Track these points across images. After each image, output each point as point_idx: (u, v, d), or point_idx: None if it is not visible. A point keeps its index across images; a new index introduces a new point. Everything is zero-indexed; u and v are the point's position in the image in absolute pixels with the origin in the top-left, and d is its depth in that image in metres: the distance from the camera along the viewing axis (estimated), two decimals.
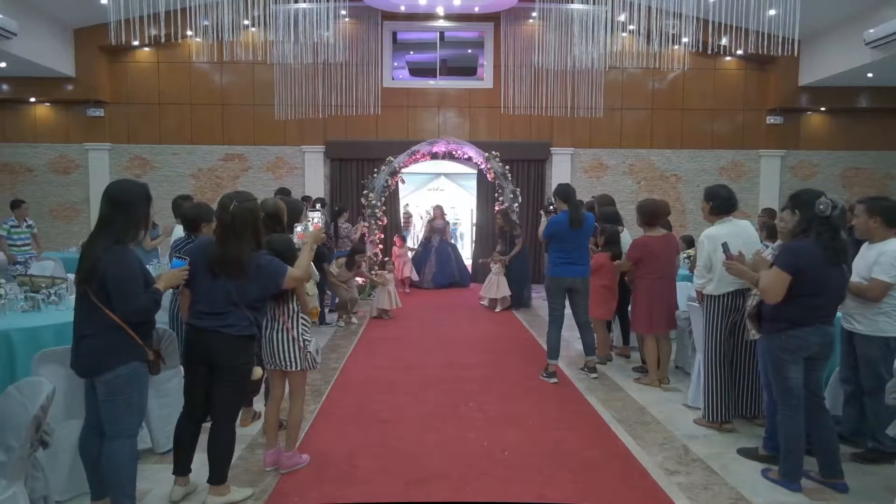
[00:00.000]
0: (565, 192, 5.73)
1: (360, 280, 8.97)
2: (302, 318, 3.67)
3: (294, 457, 3.77)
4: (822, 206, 3.34)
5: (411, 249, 11.48)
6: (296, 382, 3.74)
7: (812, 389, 3.58)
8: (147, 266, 3.27)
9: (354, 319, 8.30)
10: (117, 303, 2.86)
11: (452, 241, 12.68)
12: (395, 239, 11.00)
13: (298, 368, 3.65)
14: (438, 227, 11.50)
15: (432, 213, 11.88)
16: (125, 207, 2.94)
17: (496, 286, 9.19)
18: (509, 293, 9.17)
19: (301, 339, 3.62)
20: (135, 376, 2.96)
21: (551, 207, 5.82)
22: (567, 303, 5.80)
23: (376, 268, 9.93)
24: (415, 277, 10.75)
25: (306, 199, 9.86)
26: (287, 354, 3.62)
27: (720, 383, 4.42)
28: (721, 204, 4.47)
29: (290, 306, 3.62)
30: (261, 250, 3.33)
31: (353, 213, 10.99)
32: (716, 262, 4.28)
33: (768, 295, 3.44)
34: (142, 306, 2.92)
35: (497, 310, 9.16)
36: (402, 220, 17.52)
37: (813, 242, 3.36)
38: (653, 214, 5.57)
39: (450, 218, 13.64)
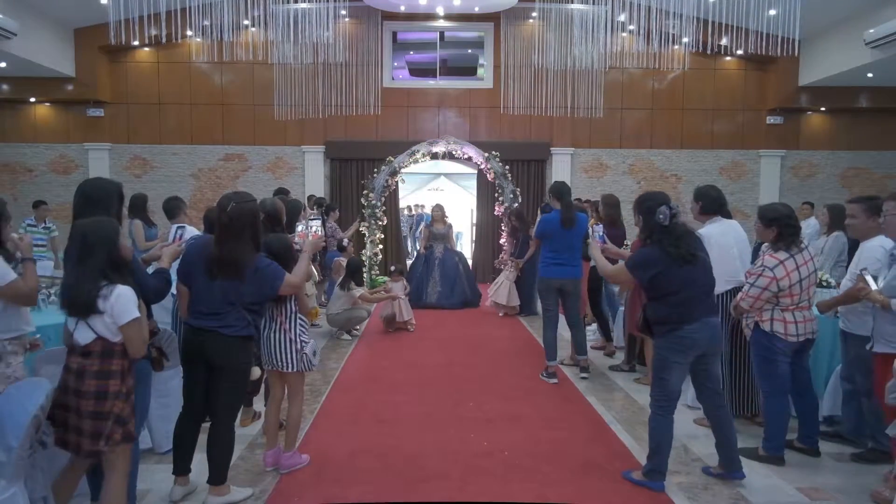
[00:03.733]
0: (559, 190, 5.72)
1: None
2: (300, 318, 3.67)
3: (293, 457, 3.77)
4: (660, 216, 3.41)
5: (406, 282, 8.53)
6: (293, 383, 3.74)
7: (710, 387, 3.63)
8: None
9: (355, 332, 7.61)
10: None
11: (459, 250, 10.22)
12: (392, 275, 8.19)
13: (294, 370, 3.64)
14: (440, 232, 9.56)
15: (430, 215, 10.04)
16: (100, 203, 2.95)
17: (507, 293, 8.66)
18: (518, 302, 8.72)
19: (298, 340, 3.62)
20: (138, 375, 2.95)
21: (547, 207, 5.81)
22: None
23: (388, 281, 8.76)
24: (407, 317, 7.85)
25: (311, 198, 9.75)
26: (283, 355, 3.61)
27: (728, 382, 4.41)
28: (710, 203, 4.48)
29: (288, 306, 3.62)
30: (259, 252, 3.32)
31: (350, 212, 10.98)
32: (712, 261, 4.27)
33: (611, 280, 3.87)
34: (156, 287, 3.04)
35: (500, 314, 8.83)
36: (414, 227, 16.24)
37: (657, 247, 3.44)
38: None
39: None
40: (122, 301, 2.64)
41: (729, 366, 4.45)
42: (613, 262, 4.30)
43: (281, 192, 7.77)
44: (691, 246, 3.45)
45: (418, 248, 10.44)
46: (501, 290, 8.79)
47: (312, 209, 8.90)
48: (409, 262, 11.62)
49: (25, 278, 2.95)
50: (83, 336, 2.67)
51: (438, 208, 9.80)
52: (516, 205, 10.27)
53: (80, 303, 2.64)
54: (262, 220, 3.47)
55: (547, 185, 11.96)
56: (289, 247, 3.67)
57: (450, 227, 9.79)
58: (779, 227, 3.85)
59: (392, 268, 8.54)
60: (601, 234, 4.21)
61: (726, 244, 4.34)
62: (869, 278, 3.50)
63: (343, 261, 7.81)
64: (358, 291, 7.32)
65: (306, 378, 4.75)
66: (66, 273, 2.72)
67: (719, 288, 4.25)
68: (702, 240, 4.31)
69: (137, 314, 2.68)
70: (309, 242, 3.73)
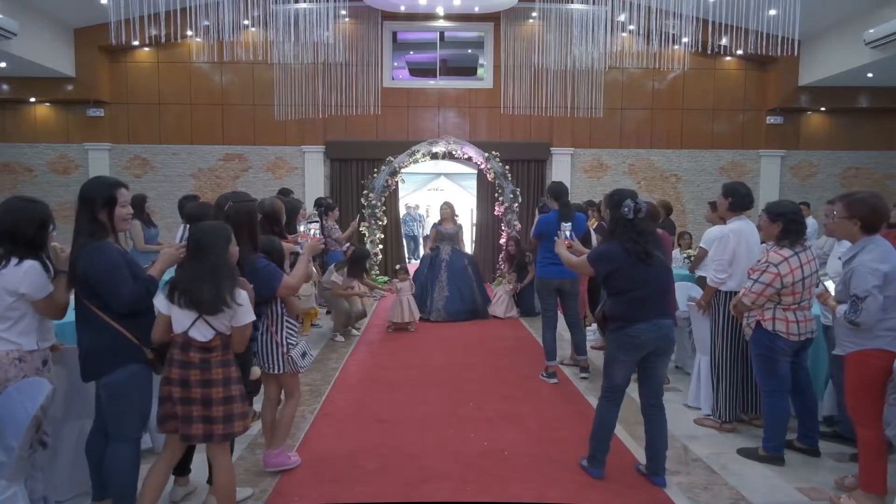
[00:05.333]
0: (557, 190, 5.73)
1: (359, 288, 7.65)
2: (287, 321, 3.67)
3: (279, 455, 3.75)
4: (625, 209, 3.47)
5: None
6: (286, 384, 3.74)
7: (650, 387, 3.66)
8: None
9: (355, 332, 7.51)
10: (105, 297, 2.80)
11: (468, 252, 9.26)
12: (398, 274, 8.18)
13: (281, 372, 3.65)
14: (448, 233, 8.76)
15: (421, 214, 9.53)
16: (85, 205, 2.88)
17: (504, 308, 8.70)
18: (517, 312, 8.76)
19: (285, 342, 3.62)
20: (135, 380, 2.90)
21: (545, 208, 5.83)
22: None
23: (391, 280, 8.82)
24: (416, 317, 7.90)
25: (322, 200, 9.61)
26: (269, 357, 3.62)
27: (734, 381, 4.41)
28: (740, 200, 4.48)
29: (275, 309, 3.60)
30: (258, 252, 3.31)
31: (350, 212, 10.95)
32: (740, 257, 4.28)
33: (575, 271, 4.05)
34: (132, 296, 2.82)
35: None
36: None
37: (617, 243, 3.51)
38: (651, 217, 5.52)
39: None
40: (246, 303, 2.89)
41: (742, 363, 4.42)
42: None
43: (282, 193, 7.76)
44: (649, 245, 3.49)
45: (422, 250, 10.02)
46: (499, 303, 8.81)
47: (318, 208, 8.80)
48: (408, 266, 11.42)
49: (58, 291, 2.94)
50: (203, 334, 2.84)
51: (447, 206, 8.90)
52: (516, 232, 10.16)
53: (210, 301, 2.78)
54: (259, 220, 3.46)
55: (547, 184, 11.95)
56: (278, 248, 3.66)
57: (459, 227, 8.99)
58: (784, 223, 3.85)
59: (398, 266, 8.42)
60: (568, 233, 4.32)
61: (754, 242, 4.38)
62: (828, 284, 3.57)
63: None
64: (335, 277, 7.15)
65: (303, 378, 4.73)
66: (187, 274, 2.84)
67: (742, 283, 4.22)
68: (731, 236, 4.32)
69: (254, 317, 2.96)
70: (308, 245, 3.73)
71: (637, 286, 3.47)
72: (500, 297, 8.88)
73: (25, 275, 2.81)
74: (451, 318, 8.38)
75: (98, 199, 2.88)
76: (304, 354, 3.69)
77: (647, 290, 3.47)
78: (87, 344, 2.88)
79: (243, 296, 2.88)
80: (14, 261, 2.82)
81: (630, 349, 3.52)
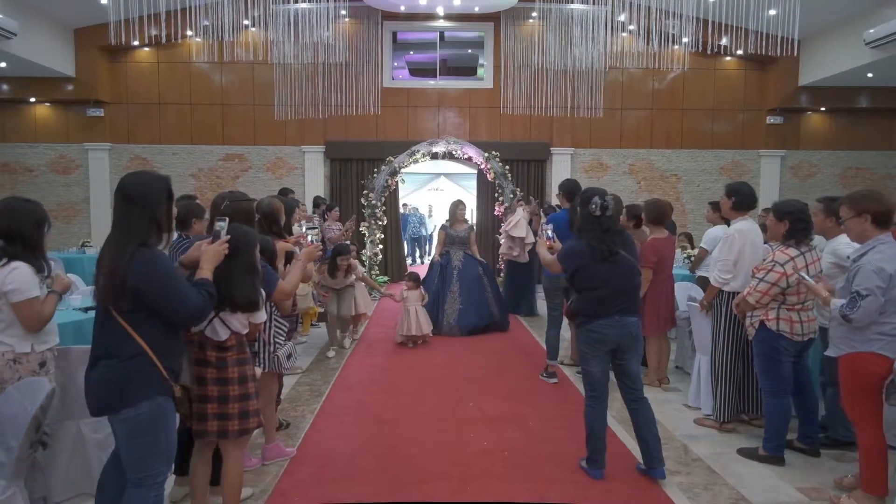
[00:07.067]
0: (570, 189, 5.65)
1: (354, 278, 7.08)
2: (276, 320, 3.68)
3: (274, 448, 3.88)
4: (592, 206, 3.54)
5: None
6: (262, 382, 3.71)
7: (627, 383, 3.70)
8: None
9: (346, 343, 6.95)
10: (170, 313, 2.41)
11: (482, 259, 8.14)
12: (405, 282, 7.31)
13: (266, 370, 3.67)
14: (459, 236, 7.85)
15: (448, 217, 8.01)
16: (142, 205, 2.41)
17: (525, 229, 8.17)
18: (534, 239, 8.12)
19: (273, 342, 3.65)
20: (161, 413, 2.45)
21: (548, 209, 5.80)
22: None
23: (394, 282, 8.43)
24: (428, 329, 7.12)
25: (321, 200, 9.65)
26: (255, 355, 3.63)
27: (734, 381, 4.41)
28: (743, 200, 4.48)
29: (265, 308, 3.60)
30: None
31: (350, 213, 10.95)
32: (744, 257, 4.29)
33: (549, 268, 4.07)
34: (199, 304, 2.47)
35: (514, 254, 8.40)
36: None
37: (584, 241, 3.58)
38: (662, 215, 5.51)
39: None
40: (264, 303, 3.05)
41: (742, 364, 4.42)
42: None
43: (282, 193, 7.73)
44: (615, 243, 3.54)
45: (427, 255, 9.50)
46: (521, 224, 8.24)
47: (317, 209, 8.77)
48: (409, 268, 11.30)
49: (45, 304, 2.93)
50: (218, 333, 2.84)
51: (459, 206, 7.93)
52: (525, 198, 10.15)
53: (245, 301, 2.84)
54: (258, 220, 3.45)
55: (547, 185, 11.96)
56: (271, 248, 3.64)
57: (471, 228, 8.08)
58: (790, 221, 3.84)
59: (406, 274, 7.72)
60: (550, 233, 4.36)
61: (758, 242, 4.39)
62: (804, 275, 3.67)
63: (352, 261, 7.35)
64: (316, 278, 6.69)
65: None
66: (216, 274, 2.75)
67: (745, 284, 4.20)
68: (737, 236, 4.31)
69: (266, 315, 3.14)
70: (304, 251, 3.72)
71: (601, 284, 3.54)
72: (519, 221, 8.29)
73: (10, 274, 2.81)
74: (464, 334, 7.55)
75: (160, 196, 2.47)
76: (289, 356, 3.73)
77: (610, 289, 3.54)
78: (110, 369, 2.38)
79: (263, 295, 2.99)
80: (4, 261, 2.84)
81: (594, 343, 3.60)
